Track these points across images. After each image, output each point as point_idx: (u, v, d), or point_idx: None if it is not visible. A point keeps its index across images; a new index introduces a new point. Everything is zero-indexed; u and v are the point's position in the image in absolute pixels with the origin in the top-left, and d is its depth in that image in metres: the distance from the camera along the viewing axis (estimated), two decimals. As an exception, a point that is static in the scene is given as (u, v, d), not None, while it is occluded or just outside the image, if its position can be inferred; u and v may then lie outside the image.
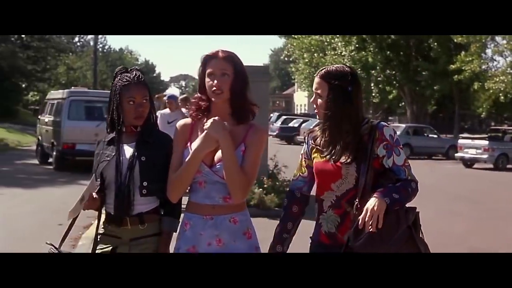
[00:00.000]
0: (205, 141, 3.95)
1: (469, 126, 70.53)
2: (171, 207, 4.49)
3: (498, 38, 38.67)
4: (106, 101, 16.23)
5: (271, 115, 42.24)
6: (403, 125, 38.51)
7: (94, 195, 4.31)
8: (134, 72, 4.52)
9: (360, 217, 3.73)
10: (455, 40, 38.43)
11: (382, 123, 4.14)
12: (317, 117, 4.23)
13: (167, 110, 14.98)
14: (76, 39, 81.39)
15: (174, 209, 4.52)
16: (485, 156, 29.52)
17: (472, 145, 30.19)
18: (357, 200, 3.88)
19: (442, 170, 28.72)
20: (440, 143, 36.80)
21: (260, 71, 17.54)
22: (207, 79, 4.01)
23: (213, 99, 4.02)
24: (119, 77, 4.51)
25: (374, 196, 3.75)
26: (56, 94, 24.55)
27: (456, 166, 30.44)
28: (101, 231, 4.53)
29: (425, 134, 37.48)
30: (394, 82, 46.14)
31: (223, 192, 4.05)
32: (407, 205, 3.87)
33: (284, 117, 51.83)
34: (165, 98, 15.96)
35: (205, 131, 3.95)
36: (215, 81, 3.98)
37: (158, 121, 15.38)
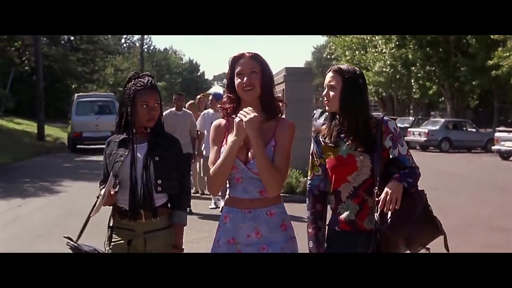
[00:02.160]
0: (237, 130, 4.02)
1: (510, 120, 69.91)
2: (180, 201, 4.85)
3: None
4: (103, 100, 26.00)
5: (315, 111, 42.54)
6: (442, 120, 38.56)
7: (112, 191, 4.53)
8: (147, 78, 4.72)
9: (381, 200, 3.95)
10: (492, 37, 38.01)
11: (386, 117, 4.41)
12: (327, 109, 4.40)
13: (210, 110, 13.97)
14: (123, 40, 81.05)
15: (183, 203, 4.89)
16: (521, 148, 29.06)
17: (508, 138, 29.71)
18: (376, 188, 4.06)
19: (478, 163, 28.83)
20: (478, 137, 36.66)
21: (304, 71, 18.73)
22: (237, 79, 4.13)
23: (244, 97, 4.14)
24: (132, 82, 4.69)
25: (392, 181, 3.97)
26: (72, 98, 32.67)
27: (493, 158, 30.28)
28: (111, 224, 4.78)
29: (464, 128, 37.35)
30: (434, 78, 45.85)
31: (259, 186, 4.13)
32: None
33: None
34: (210, 97, 14.95)
35: (237, 121, 4.04)
36: (245, 79, 4.10)
37: (199, 122, 15.51)
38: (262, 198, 4.16)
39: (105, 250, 4.72)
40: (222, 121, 4.28)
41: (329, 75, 4.30)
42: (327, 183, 4.40)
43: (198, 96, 17.60)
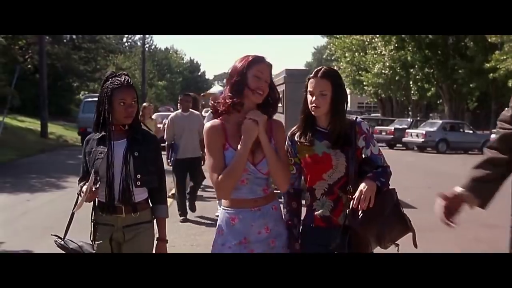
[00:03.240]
0: (250, 133, 4.07)
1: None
2: (160, 195, 4.98)
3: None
4: None
5: None
6: (440, 121, 38.68)
7: (93, 188, 4.58)
8: (124, 77, 4.79)
9: (355, 198, 4.04)
10: (489, 40, 38.07)
11: (359, 118, 4.49)
12: (314, 114, 4.35)
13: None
14: (124, 39, 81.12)
15: (163, 197, 5.02)
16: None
17: (504, 140, 29.74)
18: (350, 186, 4.17)
19: (474, 163, 29.10)
20: (475, 138, 36.63)
21: (304, 73, 19.10)
22: (253, 81, 4.11)
23: (255, 100, 4.16)
24: (110, 81, 4.76)
25: (366, 180, 4.07)
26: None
27: (488, 159, 30.46)
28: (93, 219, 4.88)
29: (461, 130, 37.55)
30: (433, 80, 46.10)
31: (263, 185, 4.24)
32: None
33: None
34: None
35: (247, 119, 4.09)
36: (262, 84, 4.15)
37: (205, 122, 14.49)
38: (265, 196, 4.27)
39: (91, 243, 4.84)
40: (216, 123, 4.22)
41: (317, 81, 4.32)
42: (301, 181, 4.53)
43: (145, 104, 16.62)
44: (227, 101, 4.15)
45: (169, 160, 11.84)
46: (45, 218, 11.97)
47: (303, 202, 4.53)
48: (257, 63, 4.17)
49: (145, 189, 4.84)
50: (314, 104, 4.31)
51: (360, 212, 4.04)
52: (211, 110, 4.43)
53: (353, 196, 4.07)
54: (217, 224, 4.33)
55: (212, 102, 4.32)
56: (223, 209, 4.31)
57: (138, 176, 4.74)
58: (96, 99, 4.83)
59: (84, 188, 4.62)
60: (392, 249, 4.19)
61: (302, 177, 4.53)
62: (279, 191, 4.42)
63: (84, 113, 31.61)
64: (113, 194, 4.70)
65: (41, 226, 11.05)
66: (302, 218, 4.53)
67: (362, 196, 4.00)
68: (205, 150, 4.25)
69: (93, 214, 4.87)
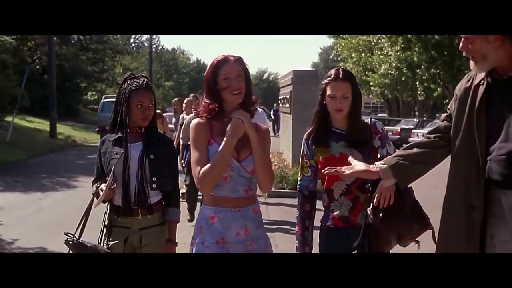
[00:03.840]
0: (236, 130, 4.03)
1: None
2: (174, 198, 4.96)
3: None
4: None
5: None
6: (443, 115, 38.72)
7: (112, 186, 4.60)
8: (142, 79, 4.80)
9: (376, 197, 4.07)
10: None
11: (374, 119, 4.59)
12: (337, 116, 4.47)
13: None
14: (132, 40, 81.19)
15: (176, 200, 4.99)
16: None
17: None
18: (368, 184, 4.26)
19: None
20: None
21: (311, 74, 19.34)
22: (224, 82, 4.07)
23: (233, 100, 4.11)
24: (128, 82, 4.77)
25: None
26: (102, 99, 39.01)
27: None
28: (106, 222, 4.86)
29: None
30: (439, 81, 45.73)
31: (246, 185, 4.17)
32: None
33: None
34: None
35: (235, 118, 4.05)
36: (234, 83, 4.07)
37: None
38: (247, 197, 4.20)
39: (103, 246, 4.77)
40: (203, 120, 4.17)
41: (340, 85, 4.42)
42: (316, 183, 4.64)
43: (175, 99, 16.63)
44: (208, 107, 4.14)
45: (183, 161, 11.84)
46: (58, 217, 12.18)
47: (318, 203, 4.62)
48: (222, 65, 4.12)
49: (159, 191, 4.84)
50: (338, 107, 4.41)
51: (381, 210, 4.11)
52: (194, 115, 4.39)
53: (373, 195, 4.11)
54: (196, 221, 4.29)
55: (194, 109, 4.34)
56: (203, 206, 4.25)
57: (154, 179, 4.75)
58: (113, 99, 4.89)
59: (102, 186, 4.66)
60: (411, 247, 4.24)
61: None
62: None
63: (104, 112, 33.40)
64: (129, 197, 4.70)
65: (54, 224, 11.22)
66: (320, 219, 4.59)
67: (382, 194, 4.05)
68: (191, 145, 4.19)
69: (106, 217, 4.86)
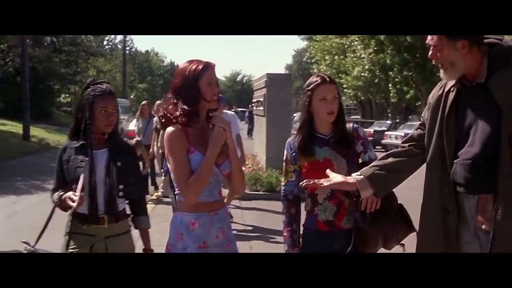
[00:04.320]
0: (219, 138, 4.09)
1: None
2: (142, 206, 4.92)
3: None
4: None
5: (294, 114, 43.00)
6: (418, 124, 39.06)
7: (82, 194, 4.44)
8: (106, 84, 4.70)
9: (362, 201, 4.15)
10: None
11: (355, 124, 4.60)
12: (330, 120, 4.47)
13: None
14: (105, 42, 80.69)
15: (144, 207, 4.96)
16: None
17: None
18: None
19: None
20: None
21: (285, 77, 19.52)
22: (206, 88, 4.13)
23: (211, 106, 4.23)
24: (91, 88, 4.64)
25: None
26: None
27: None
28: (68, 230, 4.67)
29: None
30: (411, 83, 46.16)
31: (218, 187, 4.29)
32: None
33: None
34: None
35: (217, 126, 4.12)
36: (215, 88, 4.19)
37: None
38: (220, 199, 4.32)
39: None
40: (178, 128, 4.16)
41: (330, 87, 4.45)
42: (299, 189, 4.58)
43: (144, 102, 16.00)
44: (188, 113, 4.14)
45: (162, 170, 11.70)
46: (34, 219, 11.95)
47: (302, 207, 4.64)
48: (205, 70, 4.17)
49: (124, 199, 4.76)
50: (330, 110, 4.43)
51: (369, 214, 4.19)
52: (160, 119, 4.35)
53: (360, 200, 4.18)
54: (172, 228, 4.28)
55: (165, 113, 4.25)
56: (180, 213, 4.26)
57: (121, 187, 4.66)
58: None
59: (70, 194, 4.50)
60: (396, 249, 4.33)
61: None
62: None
63: None
64: (96, 205, 4.59)
65: (30, 227, 10.90)
66: (303, 223, 4.61)
67: (369, 198, 4.13)
68: (167, 155, 4.20)
69: (69, 225, 4.69)
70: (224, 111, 11.80)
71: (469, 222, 3.81)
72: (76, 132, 4.70)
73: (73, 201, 4.42)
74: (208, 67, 4.18)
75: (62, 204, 4.58)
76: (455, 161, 3.85)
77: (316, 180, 4.13)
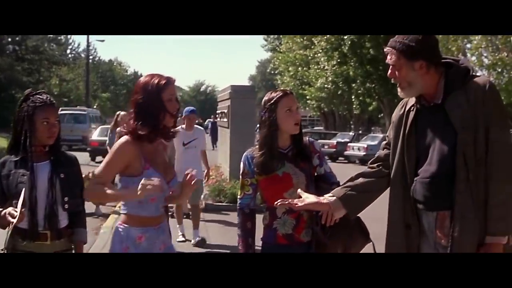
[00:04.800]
0: (140, 194, 3.93)
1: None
2: (81, 219, 4.69)
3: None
4: (77, 113, 29.78)
5: (258, 125, 42.94)
6: (381, 135, 38.52)
7: (23, 209, 4.17)
8: (45, 95, 4.52)
9: (323, 215, 4.19)
10: None
11: (311, 138, 4.66)
12: (296, 131, 4.48)
13: (181, 129, 10.99)
14: (68, 51, 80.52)
15: (83, 220, 4.73)
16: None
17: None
18: None
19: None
20: None
21: (248, 89, 19.58)
22: (169, 103, 4.16)
23: (170, 122, 4.25)
24: (31, 99, 4.45)
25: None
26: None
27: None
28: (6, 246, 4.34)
29: None
30: (374, 95, 46.20)
31: (163, 201, 4.38)
32: None
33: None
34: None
35: (144, 189, 3.92)
36: (176, 104, 4.23)
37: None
38: (163, 213, 4.43)
39: None
40: (131, 141, 4.19)
41: (293, 98, 4.48)
42: (255, 202, 4.62)
43: (122, 113, 14.71)
44: (147, 128, 4.17)
45: None
46: None
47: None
48: (168, 86, 4.20)
49: (67, 213, 4.56)
50: (297, 120, 4.45)
51: (329, 227, 4.22)
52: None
53: (319, 214, 4.23)
54: (115, 241, 4.30)
55: (127, 127, 4.27)
56: (124, 225, 4.28)
57: (66, 199, 4.50)
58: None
59: (10, 210, 4.22)
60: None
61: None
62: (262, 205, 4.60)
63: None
64: (36, 220, 4.38)
65: None
66: (261, 237, 4.58)
67: (329, 212, 4.16)
68: (108, 155, 4.26)
69: (7, 241, 4.32)
70: (196, 126, 11.70)
71: (429, 237, 3.97)
72: (15, 145, 4.50)
73: (13, 217, 4.13)
74: (170, 82, 4.22)
75: (1, 222, 4.30)
76: (415, 178, 3.99)
77: (290, 200, 4.19)
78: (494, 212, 3.73)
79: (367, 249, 4.43)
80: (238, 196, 4.68)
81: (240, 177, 4.66)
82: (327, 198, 4.17)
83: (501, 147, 3.75)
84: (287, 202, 4.19)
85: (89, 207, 11.69)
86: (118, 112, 14.83)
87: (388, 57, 3.99)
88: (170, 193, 4.38)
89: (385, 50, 4.05)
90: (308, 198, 4.18)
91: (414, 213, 4.01)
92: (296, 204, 4.16)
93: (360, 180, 4.24)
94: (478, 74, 3.97)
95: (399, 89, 4.04)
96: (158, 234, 4.31)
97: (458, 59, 4.04)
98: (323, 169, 4.60)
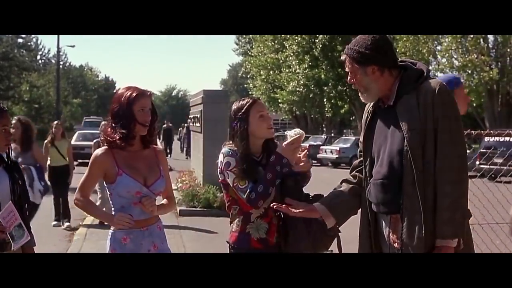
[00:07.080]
0: (114, 223, 4.39)
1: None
2: (28, 225, 4.36)
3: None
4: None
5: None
6: (353, 138, 39.06)
7: None
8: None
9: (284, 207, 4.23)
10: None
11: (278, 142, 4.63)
12: (272, 136, 4.56)
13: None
14: (38, 57, 79.98)
15: (28, 225, 4.40)
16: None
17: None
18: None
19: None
20: None
21: (221, 93, 19.63)
22: (140, 114, 4.41)
23: (143, 132, 4.49)
24: None
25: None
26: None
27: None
28: None
29: None
30: (346, 97, 46.69)
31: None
32: None
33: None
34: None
35: (120, 220, 4.34)
36: (147, 116, 4.46)
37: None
38: (151, 216, 4.54)
39: None
40: (108, 151, 4.49)
41: (262, 104, 4.52)
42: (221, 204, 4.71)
43: (57, 122, 14.51)
44: (122, 136, 4.45)
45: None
46: None
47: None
48: (140, 97, 4.47)
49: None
50: (270, 125, 4.48)
51: (290, 233, 4.32)
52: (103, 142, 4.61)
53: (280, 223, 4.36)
54: (107, 244, 4.53)
55: (105, 136, 4.54)
56: (113, 230, 4.53)
57: (26, 205, 4.48)
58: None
59: None
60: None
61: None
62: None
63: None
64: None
65: None
66: (232, 243, 4.49)
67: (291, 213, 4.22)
68: (88, 168, 4.54)
69: None
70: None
71: (385, 239, 4.07)
72: None
73: None
74: (143, 95, 4.49)
75: None
76: (370, 180, 4.08)
77: (284, 206, 4.25)
78: (443, 215, 3.76)
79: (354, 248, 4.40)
80: (241, 186, 4.36)
81: (230, 172, 4.39)
82: (316, 206, 4.25)
83: (450, 151, 3.79)
84: (284, 206, 4.25)
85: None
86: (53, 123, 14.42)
87: (346, 63, 4.09)
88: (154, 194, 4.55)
89: (341, 57, 4.17)
90: (299, 205, 4.26)
91: (372, 215, 4.11)
92: (292, 210, 4.23)
93: (344, 187, 4.33)
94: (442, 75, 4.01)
95: (359, 94, 4.14)
96: (145, 235, 4.51)
97: (416, 62, 4.12)
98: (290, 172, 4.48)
